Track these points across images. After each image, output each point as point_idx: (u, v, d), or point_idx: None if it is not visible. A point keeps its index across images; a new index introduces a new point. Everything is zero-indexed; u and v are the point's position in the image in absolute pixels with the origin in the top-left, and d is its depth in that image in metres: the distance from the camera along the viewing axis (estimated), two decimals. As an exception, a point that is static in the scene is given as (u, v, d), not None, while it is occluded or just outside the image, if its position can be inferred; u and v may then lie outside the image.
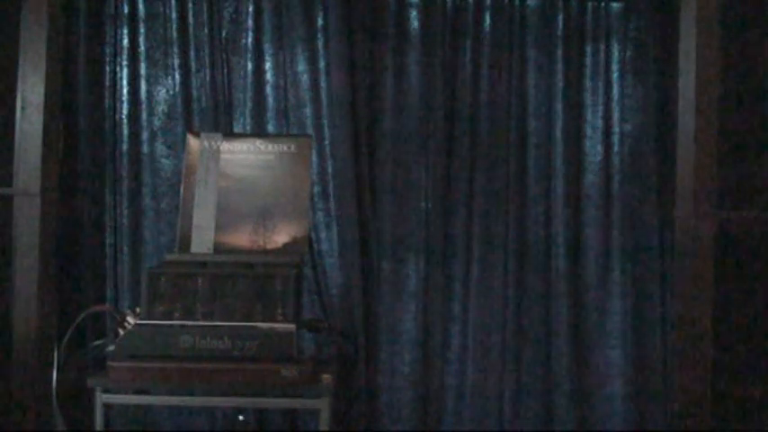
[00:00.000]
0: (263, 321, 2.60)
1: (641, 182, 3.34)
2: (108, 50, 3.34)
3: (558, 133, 3.35)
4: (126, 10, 3.34)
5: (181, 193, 2.95)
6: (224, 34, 3.36)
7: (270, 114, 3.36)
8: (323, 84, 3.34)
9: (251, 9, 3.33)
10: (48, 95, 2.74)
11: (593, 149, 3.37)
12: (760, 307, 2.82)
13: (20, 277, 2.71)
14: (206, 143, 2.99)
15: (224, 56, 3.35)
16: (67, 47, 3.13)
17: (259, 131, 3.30)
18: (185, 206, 2.91)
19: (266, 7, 3.34)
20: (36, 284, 2.69)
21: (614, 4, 3.36)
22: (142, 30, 3.35)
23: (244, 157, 2.97)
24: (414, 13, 3.37)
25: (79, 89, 3.27)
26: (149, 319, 2.61)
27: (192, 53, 3.35)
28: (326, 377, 2.67)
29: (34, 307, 2.69)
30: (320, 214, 3.34)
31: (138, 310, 2.68)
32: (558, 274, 3.33)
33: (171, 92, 3.35)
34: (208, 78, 3.32)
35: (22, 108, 2.73)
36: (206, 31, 3.32)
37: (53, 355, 2.75)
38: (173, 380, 2.58)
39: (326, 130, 3.34)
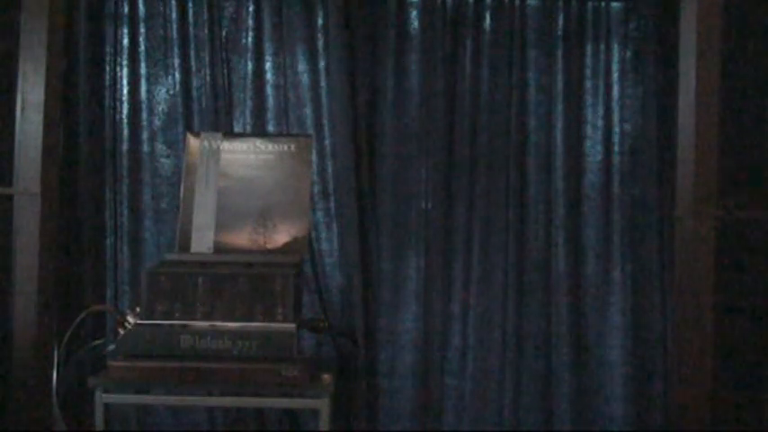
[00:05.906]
0: (263, 321, 2.60)
1: (641, 182, 3.34)
2: (108, 50, 3.34)
3: (558, 133, 3.35)
4: (126, 10, 3.34)
5: (181, 193, 2.95)
6: (224, 34, 3.36)
7: (270, 114, 3.36)
8: (323, 84, 3.34)
9: (251, 9, 3.33)
10: (48, 95, 2.73)
11: (593, 149, 3.37)
12: (761, 307, 2.82)
13: (20, 277, 2.71)
14: (206, 143, 2.99)
15: (224, 56, 3.35)
16: (67, 47, 3.12)
17: (259, 131, 3.30)
18: (185, 206, 2.91)
19: (266, 7, 3.34)
20: (36, 284, 2.69)
21: (614, 4, 3.36)
22: (142, 30, 3.35)
23: (244, 156, 2.97)
24: (414, 13, 3.37)
25: (79, 89, 3.27)
26: (149, 319, 2.61)
27: (192, 53, 3.35)
28: (326, 377, 2.67)
29: (34, 307, 2.69)
30: (320, 214, 3.34)
31: (138, 309, 2.68)
32: (558, 274, 3.33)
33: (171, 92, 3.35)
34: (208, 78, 3.32)
35: (22, 108, 2.72)
36: (206, 31, 3.32)
37: (53, 355, 2.75)
38: (173, 380, 2.57)
39: (326, 130, 3.34)
